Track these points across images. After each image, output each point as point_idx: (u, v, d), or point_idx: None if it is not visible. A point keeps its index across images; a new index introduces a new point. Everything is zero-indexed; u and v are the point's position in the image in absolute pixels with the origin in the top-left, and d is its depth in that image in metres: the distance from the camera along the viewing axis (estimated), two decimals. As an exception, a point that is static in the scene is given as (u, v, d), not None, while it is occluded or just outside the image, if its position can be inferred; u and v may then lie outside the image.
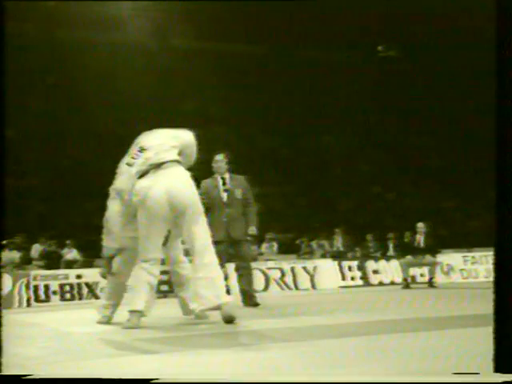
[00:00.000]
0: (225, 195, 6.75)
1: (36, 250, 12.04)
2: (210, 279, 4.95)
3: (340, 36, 19.65)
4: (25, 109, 17.00)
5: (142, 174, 4.99)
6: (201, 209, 5.10)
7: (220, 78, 19.39)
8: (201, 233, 5.02)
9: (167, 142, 5.18)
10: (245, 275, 6.87)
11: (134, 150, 5.21)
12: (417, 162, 19.67)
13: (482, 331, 2.72)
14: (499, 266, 2.72)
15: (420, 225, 10.40)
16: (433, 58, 20.61)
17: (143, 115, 17.83)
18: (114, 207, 5.16)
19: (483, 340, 2.74)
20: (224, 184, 6.79)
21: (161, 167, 5.00)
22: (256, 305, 6.78)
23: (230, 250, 6.78)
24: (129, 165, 5.13)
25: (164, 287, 8.97)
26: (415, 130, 20.54)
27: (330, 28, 19.13)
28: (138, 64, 18.53)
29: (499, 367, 2.64)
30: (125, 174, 5.14)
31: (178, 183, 4.99)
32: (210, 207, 6.60)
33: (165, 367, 3.28)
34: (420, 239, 10.34)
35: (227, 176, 6.83)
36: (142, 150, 5.12)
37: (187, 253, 5.41)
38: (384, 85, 21.25)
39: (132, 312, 4.89)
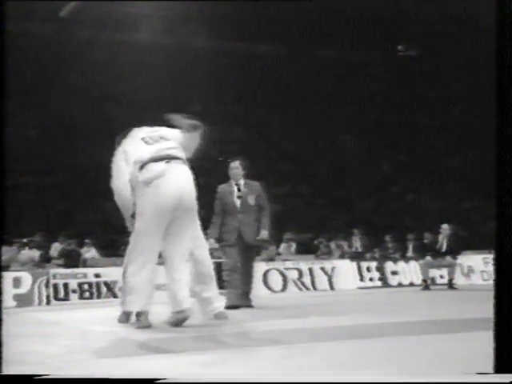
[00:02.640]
0: (238, 201, 6.87)
1: (55, 248, 12.14)
2: (185, 282, 5.00)
3: (359, 36, 19.55)
4: (46, 109, 17.18)
5: (154, 160, 4.89)
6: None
7: (238, 78, 19.40)
8: (188, 239, 5.04)
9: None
10: (246, 277, 6.97)
11: (151, 133, 5.15)
12: (436, 161, 19.51)
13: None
14: (500, 266, 2.75)
15: (445, 226, 10.31)
16: (452, 58, 20.43)
17: (161, 115, 17.94)
18: (123, 180, 4.99)
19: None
20: (239, 190, 6.90)
21: (175, 161, 4.97)
22: (249, 306, 6.86)
23: (241, 253, 6.86)
24: (146, 143, 5.03)
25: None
26: (434, 130, 20.38)
27: (349, 28, 19.04)
28: (155, 63, 18.61)
29: (500, 367, 2.64)
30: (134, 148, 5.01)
31: (189, 182, 4.98)
32: (224, 212, 6.83)
33: (180, 367, 3.28)
34: (443, 241, 10.24)
35: (242, 182, 6.93)
36: (163, 138, 5.08)
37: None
38: (403, 84, 21.10)
39: (139, 313, 4.83)
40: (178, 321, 4.90)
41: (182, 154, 5.08)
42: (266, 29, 19.14)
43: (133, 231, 4.99)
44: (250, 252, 6.95)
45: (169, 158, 4.93)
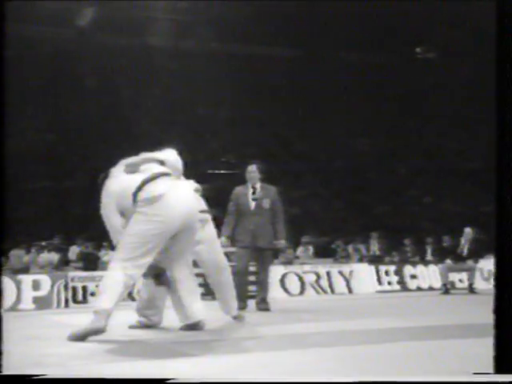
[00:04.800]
0: (253, 204, 6.95)
1: (74, 251, 12.23)
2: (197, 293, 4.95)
3: (377, 38, 19.47)
4: (64, 113, 17.33)
5: (151, 180, 4.55)
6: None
7: (255, 82, 19.42)
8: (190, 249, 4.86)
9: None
10: (262, 282, 7.04)
11: (148, 158, 4.81)
12: (455, 164, 19.34)
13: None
14: (500, 267, 2.77)
15: (467, 230, 10.18)
16: (472, 60, 20.26)
17: (179, 118, 18.02)
18: (116, 222, 4.64)
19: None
20: (254, 193, 6.99)
21: (171, 177, 4.67)
22: (267, 310, 6.88)
23: (253, 256, 6.95)
24: (132, 172, 4.69)
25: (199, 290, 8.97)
26: (453, 132, 20.21)
27: (367, 30, 18.98)
28: (172, 67, 18.69)
29: (500, 367, 2.62)
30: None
31: (193, 197, 4.75)
32: (238, 213, 6.91)
33: (197, 370, 3.27)
34: (464, 245, 10.12)
35: (258, 186, 7.02)
36: (162, 163, 4.79)
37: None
38: (422, 87, 20.96)
39: (98, 312, 4.37)
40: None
41: (170, 171, 4.75)
42: (284, 31, 19.14)
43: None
44: (264, 256, 7.00)
45: (164, 175, 4.63)
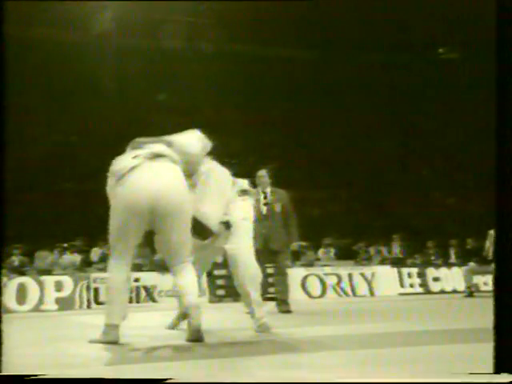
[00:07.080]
0: (265, 208, 7.10)
1: (96, 253, 12.30)
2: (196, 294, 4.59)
3: (399, 38, 19.33)
4: (86, 115, 17.49)
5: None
6: (187, 218, 4.32)
7: (274, 84, 19.40)
8: (180, 247, 4.35)
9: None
10: (280, 284, 7.15)
11: (157, 139, 4.62)
12: (478, 165, 19.10)
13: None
14: (500, 268, 2.77)
15: (492, 233, 10.04)
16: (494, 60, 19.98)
17: (198, 120, 18.04)
18: None
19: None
20: (265, 198, 7.13)
21: (158, 159, 4.33)
22: (288, 312, 6.90)
23: (268, 259, 7.00)
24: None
25: (221, 292, 8.98)
26: (477, 133, 19.97)
27: (388, 29, 18.85)
28: (190, 69, 18.75)
29: (500, 367, 2.58)
30: None
31: (172, 180, 4.28)
32: None
33: (215, 374, 3.26)
34: (489, 248, 9.99)
35: (268, 190, 7.17)
36: (169, 144, 4.54)
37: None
38: (444, 88, 20.75)
39: (108, 326, 4.32)
40: (196, 338, 4.34)
41: (170, 153, 4.39)
42: (305, 32, 19.09)
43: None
44: (279, 258, 7.12)
45: (157, 156, 4.30)
